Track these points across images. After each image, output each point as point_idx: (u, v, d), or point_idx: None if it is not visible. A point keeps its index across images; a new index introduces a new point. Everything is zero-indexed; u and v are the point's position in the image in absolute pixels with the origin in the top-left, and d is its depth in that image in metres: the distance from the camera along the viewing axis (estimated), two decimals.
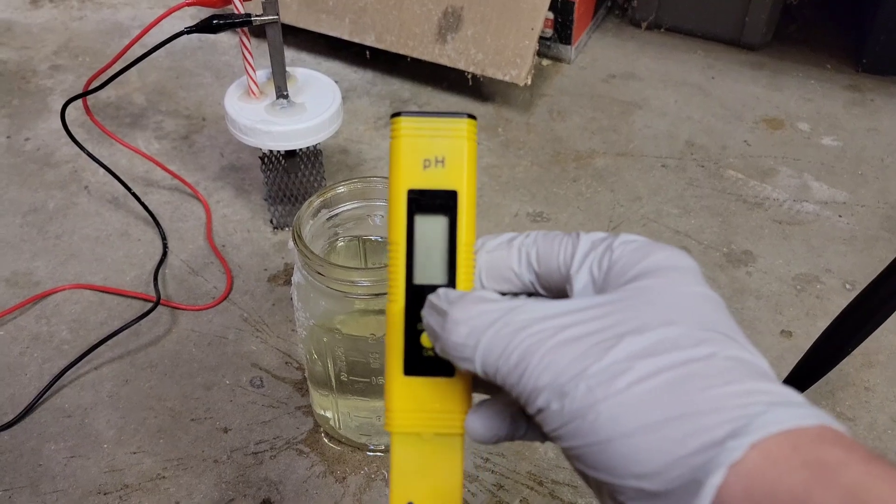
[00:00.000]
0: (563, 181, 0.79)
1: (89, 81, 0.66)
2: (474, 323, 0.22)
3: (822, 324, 0.53)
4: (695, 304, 0.21)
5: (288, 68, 0.67)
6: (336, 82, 0.70)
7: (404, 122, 0.25)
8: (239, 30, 0.64)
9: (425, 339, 0.25)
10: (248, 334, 0.64)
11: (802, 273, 0.70)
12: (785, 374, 0.56)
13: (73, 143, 0.70)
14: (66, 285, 0.67)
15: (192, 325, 0.64)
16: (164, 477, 0.54)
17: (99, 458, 0.55)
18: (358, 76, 0.93)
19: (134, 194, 0.74)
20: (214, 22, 0.62)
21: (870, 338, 0.51)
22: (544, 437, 0.22)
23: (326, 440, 0.56)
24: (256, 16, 0.62)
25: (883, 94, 0.91)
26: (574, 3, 0.90)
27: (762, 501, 0.18)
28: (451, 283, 0.25)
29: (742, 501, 0.18)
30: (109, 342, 0.62)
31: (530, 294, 0.26)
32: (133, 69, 0.66)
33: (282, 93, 0.67)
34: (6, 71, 0.93)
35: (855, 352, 0.53)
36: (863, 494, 0.17)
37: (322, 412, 0.56)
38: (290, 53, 0.94)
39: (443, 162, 0.25)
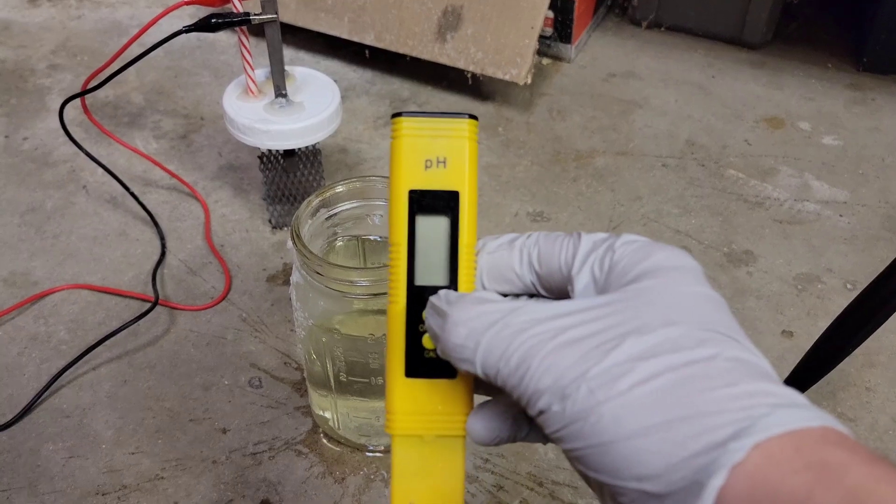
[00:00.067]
0: (564, 181, 0.79)
1: (87, 81, 0.66)
2: (474, 324, 0.22)
3: (823, 324, 0.53)
4: (696, 305, 0.21)
5: (287, 67, 0.67)
6: (335, 81, 0.70)
7: (405, 123, 0.25)
8: (237, 29, 0.64)
9: (426, 341, 0.25)
10: (247, 334, 0.63)
11: (803, 273, 0.70)
12: (786, 375, 0.56)
13: (71, 143, 0.70)
14: (64, 285, 0.67)
15: (190, 326, 0.64)
16: (162, 477, 0.54)
17: (97, 459, 0.55)
18: (357, 75, 0.93)
19: (132, 194, 0.73)
20: (213, 21, 0.62)
21: (871, 338, 0.51)
22: (546, 438, 0.22)
23: (325, 441, 0.56)
24: (255, 14, 0.62)
25: (884, 93, 0.91)
26: (574, 1, 0.90)
27: (764, 503, 0.18)
28: (453, 284, 0.25)
29: (744, 503, 0.18)
30: (108, 342, 0.62)
31: (532, 295, 0.25)
32: (131, 68, 0.66)
33: (280, 92, 0.66)
34: (4, 70, 0.93)
35: (856, 352, 0.52)
36: (865, 496, 0.17)
37: (321, 413, 0.56)
38: (288, 52, 0.94)
39: (444, 162, 0.25)
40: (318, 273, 0.45)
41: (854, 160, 0.82)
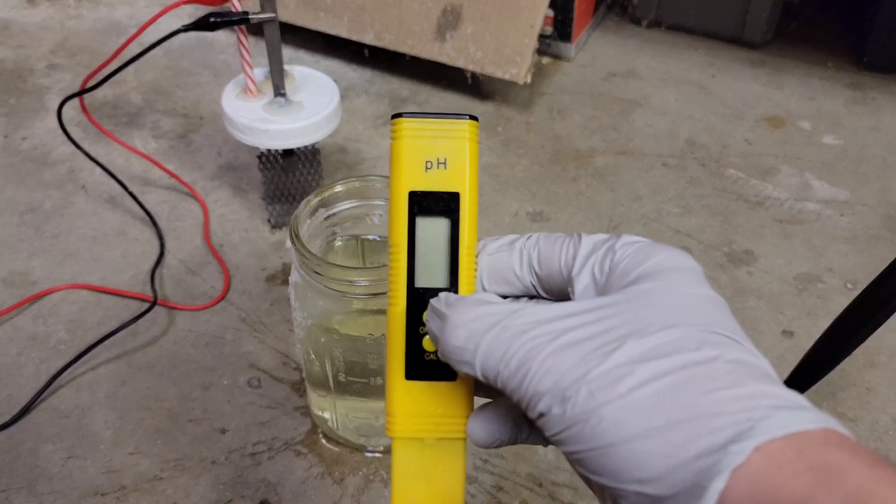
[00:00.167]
0: (563, 180, 0.79)
1: (86, 80, 0.66)
2: (473, 326, 0.22)
3: (824, 324, 0.53)
4: (697, 306, 0.21)
5: (286, 66, 0.67)
6: (334, 81, 0.70)
7: (405, 124, 0.25)
8: (236, 28, 0.64)
9: (427, 343, 0.25)
10: (246, 334, 0.63)
11: (804, 273, 0.70)
12: (786, 375, 0.56)
13: (69, 143, 0.69)
14: (63, 285, 0.67)
15: (189, 326, 0.64)
16: (161, 478, 0.54)
17: (96, 459, 0.55)
18: (356, 74, 0.92)
19: (131, 194, 0.73)
20: (211, 20, 0.62)
21: (871, 338, 0.51)
22: (546, 441, 0.22)
23: (324, 441, 0.56)
24: (254, 13, 0.62)
25: (884, 93, 0.91)
26: (574, 0, 0.90)
27: None
28: (453, 285, 0.25)
29: None
30: (106, 342, 0.61)
31: (532, 297, 0.25)
32: (130, 68, 0.66)
33: (279, 91, 0.66)
34: (3, 70, 0.93)
35: (856, 352, 0.52)
36: (867, 498, 0.17)
37: (320, 413, 0.56)
38: (287, 52, 0.94)
39: (444, 163, 0.25)
40: (316, 273, 0.45)
41: (854, 160, 0.82)
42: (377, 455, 0.55)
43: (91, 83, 0.65)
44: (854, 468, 0.18)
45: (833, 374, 0.55)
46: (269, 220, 0.73)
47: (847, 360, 0.53)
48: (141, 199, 0.74)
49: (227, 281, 0.67)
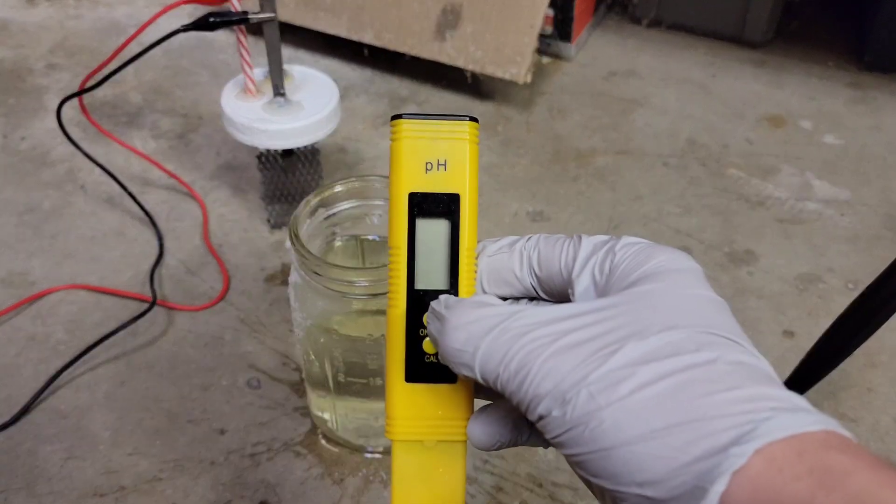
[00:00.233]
0: (564, 180, 0.79)
1: (85, 80, 0.66)
2: (472, 329, 0.22)
3: (825, 324, 0.53)
4: (698, 308, 0.21)
5: (285, 66, 0.66)
6: (334, 80, 0.70)
7: (405, 125, 0.25)
8: (236, 28, 0.64)
9: (427, 345, 0.25)
10: (245, 335, 0.63)
11: (804, 273, 0.70)
12: (787, 375, 0.56)
13: (69, 142, 0.69)
14: (62, 285, 0.67)
15: (188, 326, 0.64)
16: (160, 479, 0.53)
17: (95, 460, 0.55)
18: (356, 74, 0.92)
19: (130, 194, 0.73)
20: (211, 20, 0.61)
21: (872, 338, 0.50)
22: (546, 443, 0.22)
23: (324, 442, 0.56)
24: (253, 13, 0.62)
25: (885, 92, 0.91)
26: None
27: None
28: (453, 287, 0.25)
29: None
30: (105, 343, 0.61)
31: (532, 298, 0.25)
32: (129, 68, 0.66)
33: (279, 91, 0.66)
34: (2, 70, 0.93)
35: (857, 352, 0.52)
36: (868, 501, 0.17)
37: (320, 413, 0.56)
38: (287, 51, 0.94)
39: (444, 165, 0.25)
40: (316, 273, 0.45)
41: (855, 159, 0.82)
42: (377, 456, 0.55)
43: (90, 83, 0.65)
44: (855, 471, 0.17)
45: (834, 375, 0.55)
46: (268, 220, 0.73)
47: (848, 360, 0.53)
48: (140, 199, 0.73)
49: (227, 281, 0.67)
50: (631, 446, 0.19)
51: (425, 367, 0.25)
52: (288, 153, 0.68)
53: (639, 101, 0.90)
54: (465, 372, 0.22)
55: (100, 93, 0.86)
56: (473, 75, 0.87)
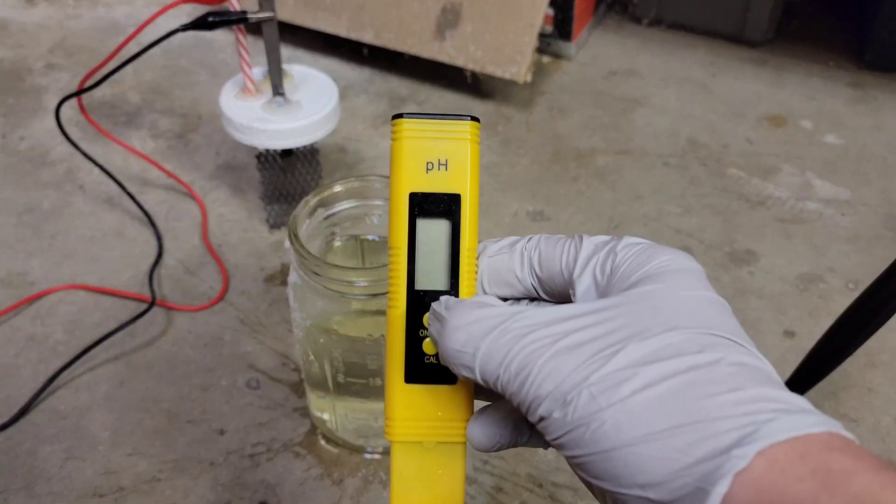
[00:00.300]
0: (564, 180, 0.79)
1: (84, 80, 0.66)
2: (472, 330, 0.22)
3: (825, 324, 0.53)
4: (699, 309, 0.21)
5: (284, 66, 0.66)
6: (333, 80, 0.70)
7: (406, 125, 0.25)
8: (235, 27, 0.63)
9: (426, 346, 0.24)
10: (245, 335, 0.63)
11: (805, 272, 0.69)
12: (787, 375, 0.56)
13: (67, 142, 0.69)
14: (62, 286, 0.66)
15: (187, 326, 0.64)
16: (159, 479, 0.53)
17: (94, 460, 0.54)
18: (355, 74, 0.92)
19: (129, 194, 0.73)
20: (210, 19, 0.61)
21: (873, 338, 0.50)
22: (547, 444, 0.22)
23: (323, 442, 0.56)
24: (252, 13, 0.62)
25: (886, 92, 0.91)
26: None
27: None
28: (454, 288, 0.24)
29: None
30: (105, 343, 0.61)
31: (533, 299, 0.25)
32: (128, 67, 0.66)
33: (278, 91, 0.66)
34: (1, 69, 0.92)
35: (858, 352, 0.52)
36: (871, 503, 0.17)
37: (319, 414, 0.55)
38: (286, 51, 0.93)
39: (445, 165, 0.24)
40: (315, 273, 0.45)
41: (856, 159, 0.82)
42: (376, 456, 0.55)
43: (89, 83, 0.65)
44: (858, 473, 0.17)
45: (834, 375, 0.55)
46: (267, 220, 0.73)
47: (849, 360, 0.53)
48: (139, 199, 0.73)
49: (226, 281, 0.67)
50: (632, 448, 0.19)
51: (425, 368, 0.25)
52: (287, 153, 0.68)
53: (639, 100, 0.89)
54: (465, 373, 0.22)
55: (99, 93, 0.86)
56: (473, 75, 0.87)
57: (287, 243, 0.46)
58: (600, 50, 0.98)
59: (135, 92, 0.89)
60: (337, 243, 0.53)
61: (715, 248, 0.72)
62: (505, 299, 0.25)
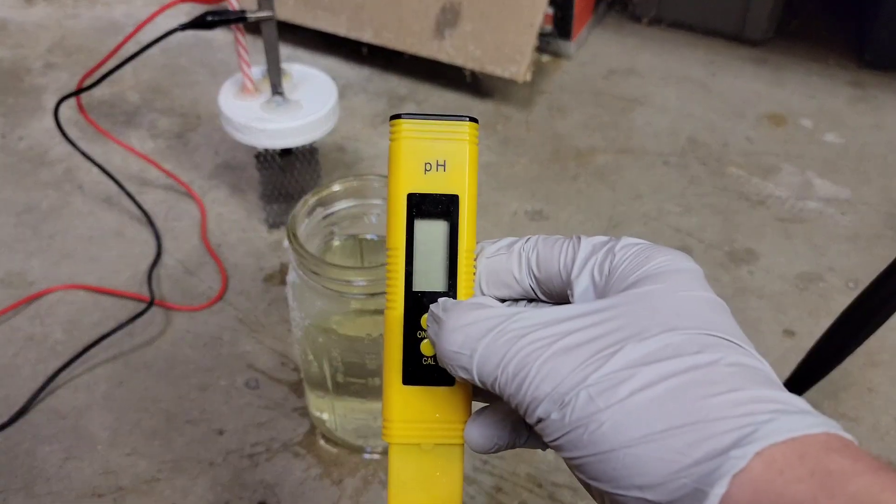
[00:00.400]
0: (563, 179, 0.79)
1: (82, 79, 0.65)
2: (470, 331, 0.22)
3: (825, 323, 0.53)
4: (698, 309, 0.21)
5: (283, 65, 0.66)
6: (332, 79, 0.70)
7: (405, 125, 0.24)
8: (234, 26, 0.63)
9: (424, 348, 0.24)
10: (244, 335, 0.63)
11: (805, 272, 0.69)
12: (787, 374, 0.56)
13: (66, 142, 0.69)
14: (60, 285, 0.66)
15: (186, 326, 0.64)
16: (158, 479, 0.53)
17: (93, 460, 0.54)
18: (355, 73, 0.92)
19: (128, 193, 0.73)
20: (209, 18, 0.61)
21: (873, 337, 0.50)
22: (545, 445, 0.22)
23: (323, 442, 0.56)
24: (251, 12, 0.61)
25: (886, 91, 0.91)
26: None
27: None
28: (452, 289, 0.24)
29: None
30: (104, 343, 0.61)
31: (531, 300, 0.25)
32: (127, 67, 0.66)
33: (277, 90, 0.66)
34: (0, 69, 0.92)
35: (858, 351, 0.52)
36: None
37: (318, 414, 0.55)
38: (285, 50, 0.93)
39: (444, 165, 0.24)
40: (314, 273, 0.45)
41: (856, 158, 0.82)
42: (375, 457, 0.55)
43: (88, 82, 0.65)
44: (856, 474, 0.17)
45: (834, 374, 0.55)
46: (266, 220, 0.73)
47: (848, 359, 0.53)
48: (138, 198, 0.73)
49: (225, 281, 0.67)
50: (631, 448, 0.19)
51: (423, 370, 0.24)
52: (286, 152, 0.68)
53: (639, 99, 0.89)
54: (462, 375, 0.22)
55: (97, 92, 0.86)
56: (473, 74, 0.87)
57: (286, 243, 0.46)
58: (600, 49, 0.97)
59: (134, 91, 0.89)
60: (336, 243, 0.53)
61: (715, 247, 0.72)
62: (503, 300, 0.25)
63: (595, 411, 0.19)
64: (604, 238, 0.24)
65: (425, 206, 0.24)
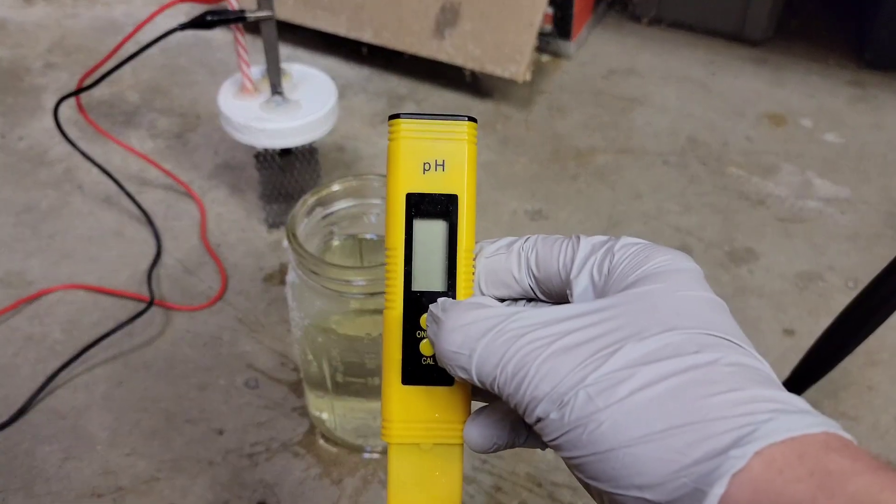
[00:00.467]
0: (563, 178, 0.79)
1: (82, 79, 0.65)
2: (468, 331, 0.21)
3: (825, 322, 0.53)
4: (697, 309, 0.21)
5: (283, 65, 0.66)
6: (332, 79, 0.70)
7: (403, 125, 0.24)
8: (233, 26, 0.63)
9: (424, 348, 0.24)
10: (243, 335, 0.63)
11: (805, 271, 0.69)
12: (787, 374, 0.56)
13: (66, 142, 0.69)
14: (60, 285, 0.66)
15: (186, 326, 0.64)
16: (158, 479, 0.53)
17: (93, 460, 0.54)
18: (354, 73, 0.92)
19: (128, 193, 0.73)
20: (208, 18, 0.61)
21: (872, 336, 0.50)
22: (544, 445, 0.22)
23: (322, 442, 0.56)
24: (251, 12, 0.61)
25: (886, 90, 0.91)
26: None
27: None
28: (451, 289, 0.24)
29: None
30: (103, 343, 0.61)
31: (530, 300, 0.25)
32: (126, 66, 0.65)
33: (277, 90, 0.66)
34: (0, 69, 0.92)
35: (857, 350, 0.52)
36: None
37: (318, 414, 0.55)
38: (285, 50, 0.93)
39: (443, 165, 0.24)
40: (314, 272, 0.45)
41: (856, 157, 0.82)
42: (375, 456, 0.55)
43: (87, 82, 0.65)
44: (855, 473, 0.17)
45: (834, 373, 0.55)
46: (266, 220, 0.73)
47: (848, 358, 0.53)
48: (138, 198, 0.73)
49: (225, 281, 0.67)
50: (630, 448, 0.19)
51: (422, 370, 0.24)
52: (286, 152, 0.68)
53: (639, 99, 0.89)
54: (461, 374, 0.22)
55: (97, 92, 0.86)
56: (472, 74, 0.87)
57: (285, 242, 0.46)
58: (600, 49, 0.97)
59: (133, 91, 0.89)
60: (335, 242, 0.53)
61: (715, 246, 0.72)
62: (502, 300, 0.25)
63: (594, 411, 0.19)
64: (603, 238, 0.24)
65: (424, 205, 0.24)
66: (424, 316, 0.24)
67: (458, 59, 0.84)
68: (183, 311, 0.65)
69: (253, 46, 0.73)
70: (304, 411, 0.58)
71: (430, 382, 0.24)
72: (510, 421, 0.24)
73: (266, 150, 0.67)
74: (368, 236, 0.53)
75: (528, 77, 0.82)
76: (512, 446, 0.24)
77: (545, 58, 0.96)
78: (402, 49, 0.86)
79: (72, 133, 0.72)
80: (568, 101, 0.89)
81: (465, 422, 0.24)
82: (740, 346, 0.20)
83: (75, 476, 0.53)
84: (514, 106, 0.88)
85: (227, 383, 0.59)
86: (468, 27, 0.83)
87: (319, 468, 0.54)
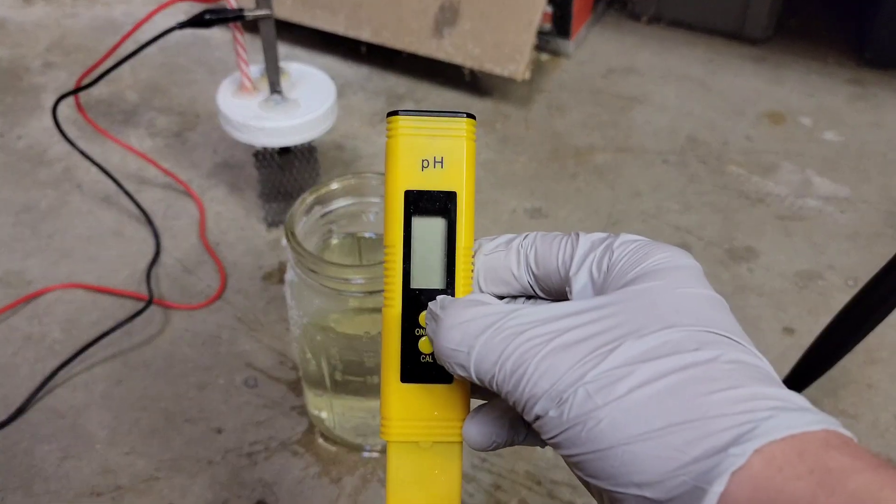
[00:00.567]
0: (562, 177, 0.79)
1: (81, 78, 0.65)
2: (467, 328, 0.21)
3: (825, 321, 0.53)
4: (697, 306, 0.21)
5: (282, 64, 0.66)
6: (331, 78, 0.69)
7: (402, 122, 0.24)
8: (232, 25, 0.63)
9: (422, 345, 0.24)
10: (242, 334, 0.63)
11: (804, 270, 0.69)
12: (787, 372, 0.56)
13: (65, 141, 0.69)
14: (59, 285, 0.66)
15: (185, 325, 0.63)
16: (157, 478, 0.53)
17: (92, 459, 0.54)
18: (353, 72, 0.92)
19: (127, 192, 0.73)
20: (207, 17, 0.61)
21: (872, 334, 0.50)
22: (544, 443, 0.22)
23: (321, 441, 0.56)
24: (249, 10, 0.61)
25: (886, 89, 0.91)
26: None
27: None
28: (450, 287, 0.24)
29: None
30: (102, 342, 0.61)
31: (530, 297, 0.25)
32: (125, 65, 0.65)
33: (275, 88, 0.66)
34: None
35: (857, 348, 0.52)
36: (868, 501, 0.17)
37: (317, 413, 0.55)
38: (283, 49, 0.93)
39: (441, 162, 0.24)
40: (312, 271, 0.45)
41: (855, 156, 0.82)
42: (374, 455, 0.55)
43: (86, 81, 0.65)
44: (856, 471, 0.17)
45: (834, 371, 0.55)
46: (265, 219, 0.73)
47: (848, 356, 0.53)
48: (136, 197, 0.73)
49: (224, 280, 0.67)
50: (629, 446, 0.19)
51: (421, 368, 0.24)
52: (285, 151, 0.68)
53: (638, 98, 0.89)
54: (460, 372, 0.22)
55: (96, 91, 0.86)
56: (472, 72, 0.87)
57: (284, 241, 0.46)
58: (599, 47, 0.97)
59: (132, 90, 0.89)
60: (334, 241, 0.53)
61: (714, 245, 0.72)
62: (501, 297, 0.25)
63: (593, 408, 0.19)
64: (602, 235, 0.23)
65: (423, 203, 0.24)
66: (423, 314, 0.24)
67: (457, 58, 0.84)
68: (182, 310, 0.65)
69: (252, 45, 0.73)
70: (303, 410, 0.57)
71: (429, 380, 0.24)
72: (509, 419, 0.24)
73: (265, 148, 0.67)
74: (367, 234, 0.53)
75: (527, 76, 0.82)
76: (511, 444, 0.24)
77: (544, 56, 0.96)
78: (401, 48, 0.86)
79: (71, 132, 0.72)
80: (567, 100, 0.89)
81: (464, 420, 0.24)
82: (740, 343, 0.20)
83: (74, 475, 0.53)
84: (513, 105, 0.88)
85: (227, 382, 0.59)
86: (467, 26, 0.83)
87: (318, 467, 0.54)
